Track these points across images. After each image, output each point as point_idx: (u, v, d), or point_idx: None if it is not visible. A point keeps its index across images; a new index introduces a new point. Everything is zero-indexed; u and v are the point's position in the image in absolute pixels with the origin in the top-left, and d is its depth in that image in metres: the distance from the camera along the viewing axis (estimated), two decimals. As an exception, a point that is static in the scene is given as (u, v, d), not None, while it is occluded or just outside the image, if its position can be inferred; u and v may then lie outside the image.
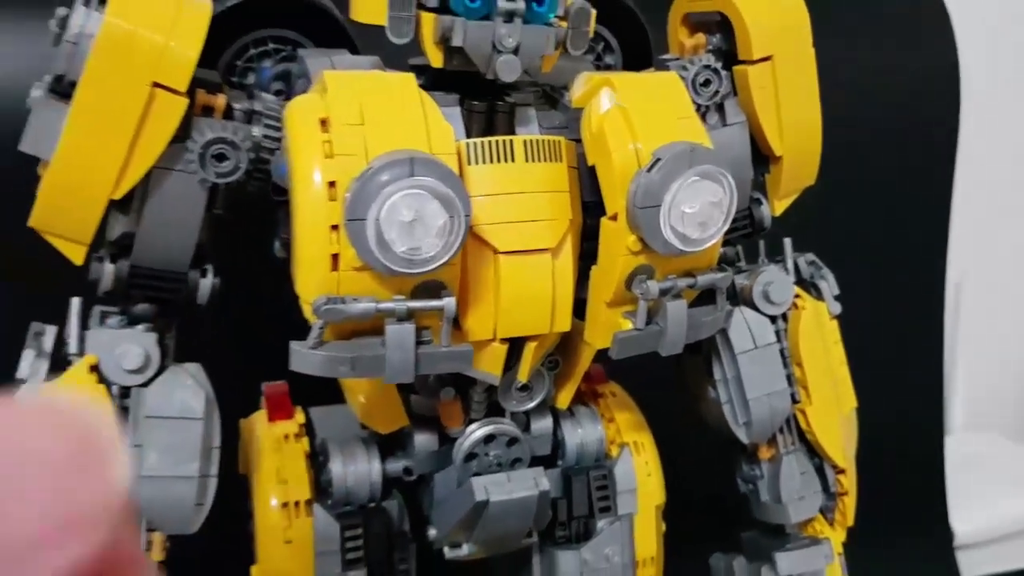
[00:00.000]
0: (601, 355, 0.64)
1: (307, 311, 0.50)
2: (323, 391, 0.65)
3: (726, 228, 0.54)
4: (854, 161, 1.25)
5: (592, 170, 0.56)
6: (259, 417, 0.65)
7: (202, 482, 0.55)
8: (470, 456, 0.61)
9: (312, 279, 0.49)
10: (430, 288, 0.51)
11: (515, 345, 0.57)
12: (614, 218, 0.54)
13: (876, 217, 1.30)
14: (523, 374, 0.58)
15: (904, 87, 1.27)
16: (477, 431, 0.61)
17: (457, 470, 0.61)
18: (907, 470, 1.43)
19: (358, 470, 0.62)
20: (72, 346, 0.54)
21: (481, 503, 0.58)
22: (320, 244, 0.49)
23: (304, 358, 0.51)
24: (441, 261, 0.48)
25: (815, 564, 0.67)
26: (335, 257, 0.49)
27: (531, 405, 0.62)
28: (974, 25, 1.34)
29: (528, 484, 0.59)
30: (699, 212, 0.52)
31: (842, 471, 0.69)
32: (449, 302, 0.50)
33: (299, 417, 0.65)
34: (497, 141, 0.54)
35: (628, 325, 0.56)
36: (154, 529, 0.55)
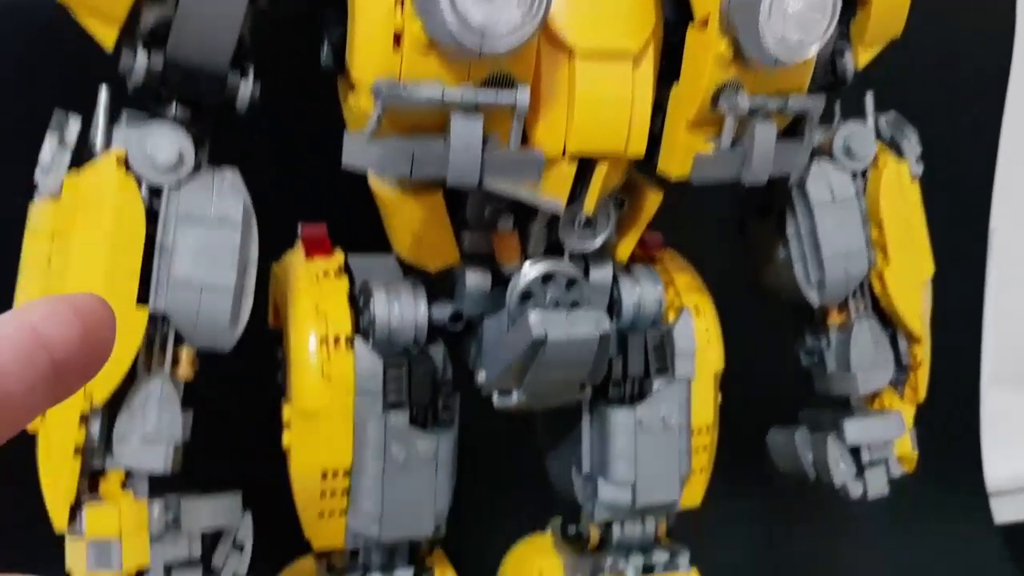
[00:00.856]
0: (658, 223, 0.60)
1: (363, 99, 0.45)
2: (361, 238, 0.60)
3: (829, 35, 0.48)
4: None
5: None
6: (295, 254, 0.61)
7: (238, 297, 0.51)
8: (525, 296, 0.56)
9: (371, 58, 0.44)
10: (500, 82, 0.46)
11: (583, 172, 0.52)
12: (704, 24, 0.49)
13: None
14: (590, 203, 0.53)
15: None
16: (534, 269, 0.56)
17: (511, 312, 0.56)
18: (941, 418, 1.40)
19: (403, 310, 0.57)
20: (98, 138, 0.49)
21: (539, 340, 0.53)
22: (382, 19, 0.44)
23: (359, 150, 0.46)
24: (521, 34, 0.43)
25: (888, 433, 0.62)
26: (398, 35, 0.44)
27: (594, 244, 0.57)
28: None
29: (590, 324, 0.55)
30: (802, 10, 0.47)
31: (917, 340, 0.64)
32: (523, 95, 0.45)
33: (339, 256, 0.60)
34: (577, -72, 0.48)
35: (709, 147, 0.51)
36: (182, 343, 0.50)
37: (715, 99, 0.50)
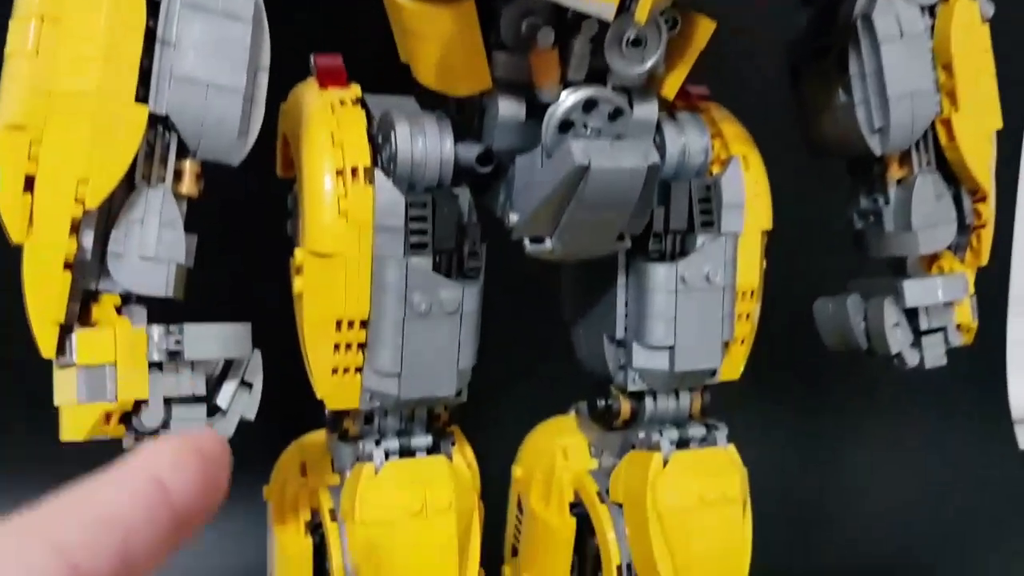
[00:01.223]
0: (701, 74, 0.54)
1: None
2: (379, 78, 0.54)
3: None
4: None
5: None
6: (307, 86, 0.55)
7: (247, 105, 0.45)
8: (564, 126, 0.51)
9: None
10: None
11: (634, -21, 0.46)
12: None
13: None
14: (642, 10, 0.47)
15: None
16: (576, 95, 0.51)
17: (547, 144, 0.51)
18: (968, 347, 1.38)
19: (428, 145, 0.52)
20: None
21: (581, 168, 0.48)
22: None
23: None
24: None
25: (950, 294, 0.58)
26: None
27: (643, 67, 0.51)
28: None
29: (638, 155, 0.49)
30: None
31: (983, 197, 0.59)
32: None
33: (356, 88, 0.55)
34: None
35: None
36: (185, 156, 0.45)
37: None
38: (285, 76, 0.54)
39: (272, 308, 0.54)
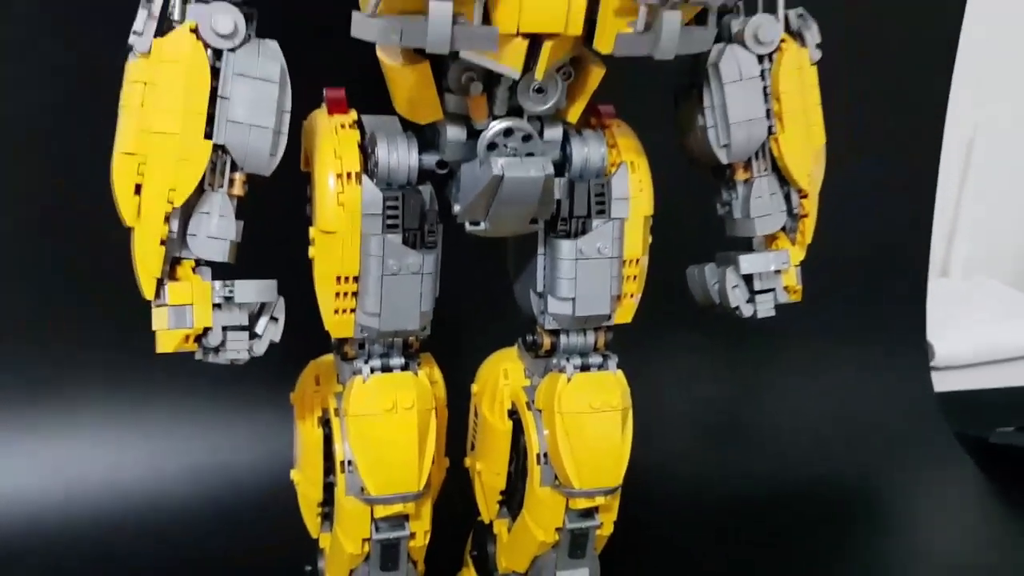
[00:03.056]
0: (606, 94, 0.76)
1: (366, -10, 0.62)
2: (372, 104, 0.77)
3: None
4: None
5: None
6: (320, 112, 0.78)
7: (276, 136, 0.69)
8: (491, 146, 0.74)
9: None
10: (467, -24, 0.62)
11: (534, 47, 0.68)
12: (624, -67, 0.64)
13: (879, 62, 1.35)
14: (540, 72, 0.69)
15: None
16: (498, 124, 0.73)
17: (480, 158, 0.74)
18: (892, 296, 1.55)
19: (399, 155, 0.75)
20: (175, 13, 0.67)
21: (498, 177, 0.71)
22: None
23: (363, 25, 0.63)
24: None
25: (773, 264, 0.80)
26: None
27: (545, 107, 0.74)
28: None
29: (537, 167, 0.72)
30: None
31: (804, 195, 0.81)
32: (482, -16, 0.61)
33: (353, 114, 0.78)
34: None
35: (630, 31, 0.67)
36: (236, 169, 0.69)
37: None
38: (306, 101, 0.78)
39: (297, 268, 0.78)
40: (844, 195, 1.02)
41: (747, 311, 0.81)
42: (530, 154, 0.75)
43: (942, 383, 1.55)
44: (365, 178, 0.74)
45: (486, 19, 0.65)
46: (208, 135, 0.67)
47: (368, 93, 0.77)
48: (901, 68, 1.39)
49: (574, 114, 0.77)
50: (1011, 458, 1.35)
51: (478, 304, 1.10)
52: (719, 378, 1.38)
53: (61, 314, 1.15)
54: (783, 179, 0.81)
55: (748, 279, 0.81)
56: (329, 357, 0.87)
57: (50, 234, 1.13)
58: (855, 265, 1.45)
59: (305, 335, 0.77)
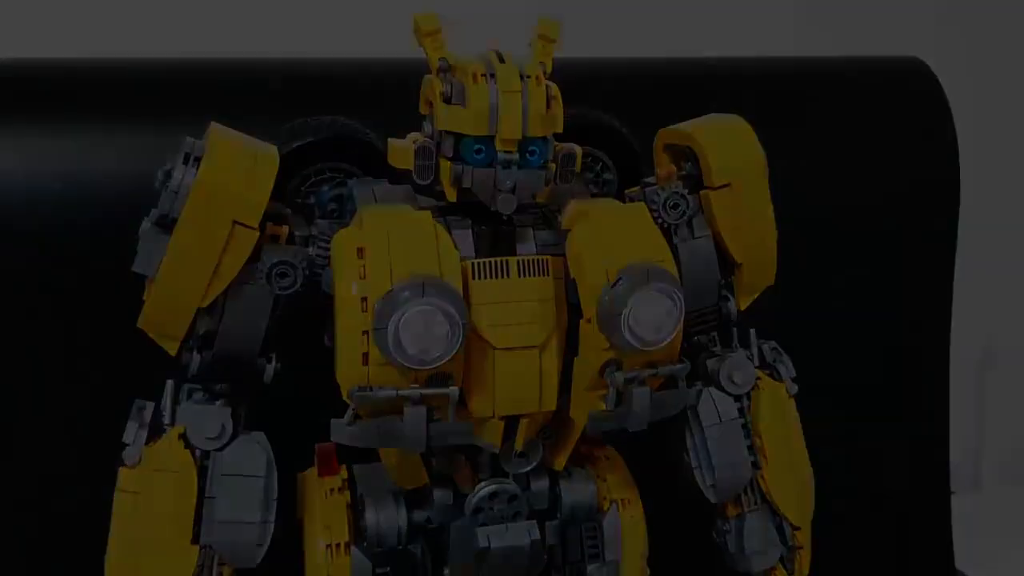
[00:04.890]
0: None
1: (344, 396, 0.65)
2: (365, 450, 0.80)
3: (677, 332, 0.67)
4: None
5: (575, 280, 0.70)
6: (311, 474, 0.80)
7: (263, 526, 0.70)
8: (478, 509, 0.75)
9: (348, 372, 0.64)
10: (440, 377, 0.65)
11: (512, 419, 0.71)
12: (589, 321, 0.68)
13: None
14: (519, 444, 0.72)
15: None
16: (483, 489, 0.75)
17: (467, 521, 0.75)
18: (914, 524, 1.48)
19: (388, 518, 0.76)
20: (166, 418, 0.70)
21: (483, 549, 0.72)
22: (354, 345, 0.64)
23: (341, 431, 0.66)
24: (444, 360, 0.62)
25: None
26: (365, 355, 0.64)
27: (527, 469, 0.75)
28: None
29: (522, 534, 0.73)
30: (653, 320, 0.65)
31: (797, 528, 0.80)
32: (453, 391, 0.64)
33: (343, 473, 0.80)
34: (496, 261, 0.68)
35: (603, 406, 0.70)
36: (224, 564, 0.70)
37: (602, 371, 0.69)
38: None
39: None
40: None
41: None
42: (517, 513, 0.75)
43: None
44: (354, 549, 0.75)
45: (462, 400, 0.67)
46: (195, 537, 0.69)
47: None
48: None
49: (560, 462, 0.78)
50: None
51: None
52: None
53: None
54: (775, 510, 0.81)
55: None
56: None
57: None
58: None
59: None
